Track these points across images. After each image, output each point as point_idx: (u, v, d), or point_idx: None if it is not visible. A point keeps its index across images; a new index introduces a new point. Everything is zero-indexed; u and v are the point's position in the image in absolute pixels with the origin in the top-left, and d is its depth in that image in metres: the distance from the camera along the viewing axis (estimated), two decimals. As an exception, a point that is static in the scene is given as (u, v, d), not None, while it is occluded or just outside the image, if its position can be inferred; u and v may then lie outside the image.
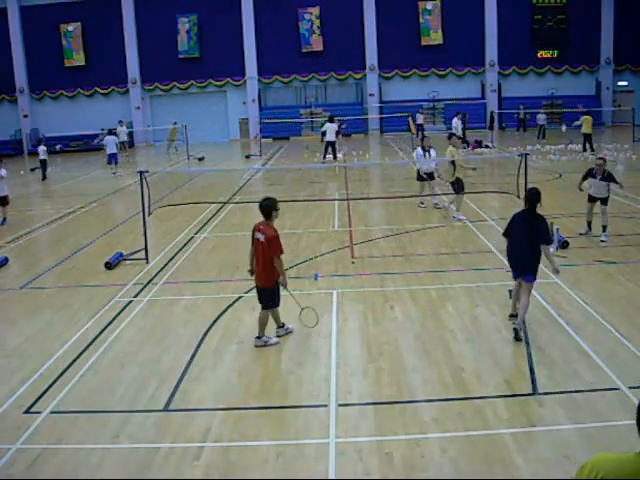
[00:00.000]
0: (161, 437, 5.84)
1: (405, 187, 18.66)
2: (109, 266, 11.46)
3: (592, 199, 12.10)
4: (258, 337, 7.75)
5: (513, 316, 8.06)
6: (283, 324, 8.00)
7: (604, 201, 11.90)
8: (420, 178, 15.74)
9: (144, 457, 5.52)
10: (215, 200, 17.85)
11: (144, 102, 42.65)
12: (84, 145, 39.45)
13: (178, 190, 20.65)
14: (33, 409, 6.42)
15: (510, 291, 8.88)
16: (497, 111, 36.15)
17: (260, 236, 7.57)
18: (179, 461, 5.43)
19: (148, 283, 10.57)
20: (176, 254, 12.40)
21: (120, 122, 35.17)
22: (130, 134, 37.28)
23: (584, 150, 25.87)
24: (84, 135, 38.43)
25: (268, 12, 40.76)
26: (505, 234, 8.13)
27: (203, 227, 14.83)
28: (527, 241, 7.67)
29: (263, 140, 34.81)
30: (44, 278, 11.28)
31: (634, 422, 2.61)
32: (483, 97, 41.23)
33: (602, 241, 11.80)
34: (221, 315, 8.88)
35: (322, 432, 5.75)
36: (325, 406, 6.22)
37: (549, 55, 41.02)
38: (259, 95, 42.09)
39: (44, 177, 25.74)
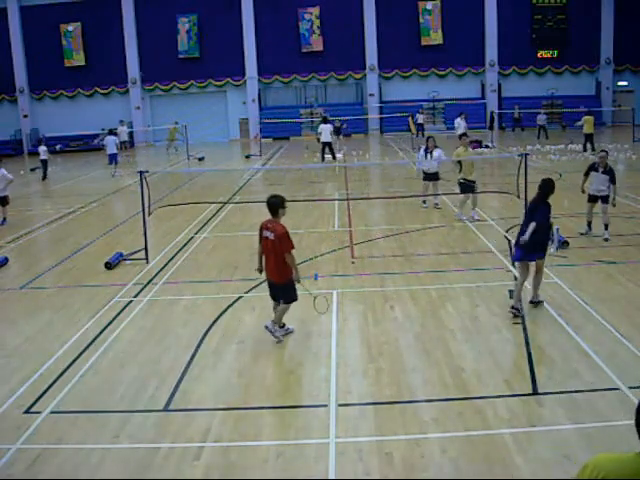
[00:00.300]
0: (161, 437, 5.84)
1: (405, 187, 18.67)
2: (109, 266, 11.46)
3: (592, 199, 12.11)
4: (280, 327, 7.86)
5: (533, 302, 8.58)
6: (284, 324, 8.00)
7: (604, 199, 11.89)
8: (426, 178, 15.74)
9: (144, 457, 5.52)
10: (215, 200, 17.84)
11: (144, 102, 42.68)
12: (84, 145, 39.46)
13: (178, 190, 20.65)
14: (33, 409, 6.41)
15: (510, 291, 8.89)
16: (497, 111, 36.15)
17: (269, 234, 7.57)
18: (179, 461, 5.43)
19: (148, 283, 10.57)
20: (176, 254, 12.40)
21: (121, 122, 35.17)
22: (130, 134, 37.30)
23: (584, 150, 25.90)
24: (84, 135, 38.43)
25: (268, 12, 40.77)
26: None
27: (203, 227, 14.82)
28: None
29: (263, 140, 34.79)
30: (44, 278, 11.28)
31: (634, 422, 2.61)
32: (483, 97, 41.23)
33: (605, 239, 11.77)
34: (221, 315, 8.87)
35: (322, 432, 5.75)
36: (325, 406, 6.22)
37: (549, 55, 41.01)
38: (259, 95, 42.10)
39: (44, 177, 25.75)
